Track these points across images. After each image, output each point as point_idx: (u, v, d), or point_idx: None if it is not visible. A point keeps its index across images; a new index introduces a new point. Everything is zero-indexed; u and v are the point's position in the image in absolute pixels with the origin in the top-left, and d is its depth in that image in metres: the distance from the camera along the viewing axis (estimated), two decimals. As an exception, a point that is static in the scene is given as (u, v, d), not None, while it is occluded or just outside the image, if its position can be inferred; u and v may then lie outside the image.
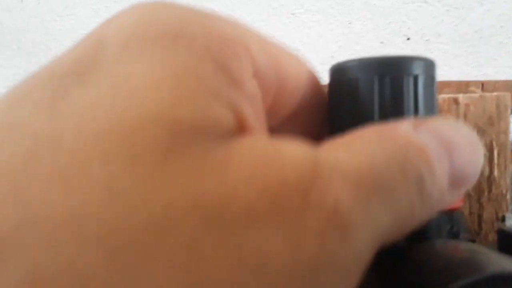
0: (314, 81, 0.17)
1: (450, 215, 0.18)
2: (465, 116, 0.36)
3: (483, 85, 0.57)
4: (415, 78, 0.16)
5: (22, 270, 0.09)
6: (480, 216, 0.36)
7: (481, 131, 0.35)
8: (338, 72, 0.17)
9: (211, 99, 0.11)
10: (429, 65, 0.17)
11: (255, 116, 0.13)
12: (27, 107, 0.11)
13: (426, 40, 0.81)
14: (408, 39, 0.81)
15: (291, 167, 0.11)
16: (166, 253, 0.09)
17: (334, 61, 0.18)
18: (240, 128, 0.12)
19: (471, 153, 0.14)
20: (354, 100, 0.17)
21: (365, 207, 0.11)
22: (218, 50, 0.12)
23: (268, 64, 0.14)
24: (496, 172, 0.36)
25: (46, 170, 0.10)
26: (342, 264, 0.11)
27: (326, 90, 0.18)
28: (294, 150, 0.12)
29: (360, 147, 0.12)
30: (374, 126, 0.13)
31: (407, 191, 0.12)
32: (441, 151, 0.13)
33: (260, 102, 0.13)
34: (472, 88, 0.42)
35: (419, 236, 0.17)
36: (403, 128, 0.13)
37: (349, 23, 0.81)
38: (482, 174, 0.35)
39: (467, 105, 0.36)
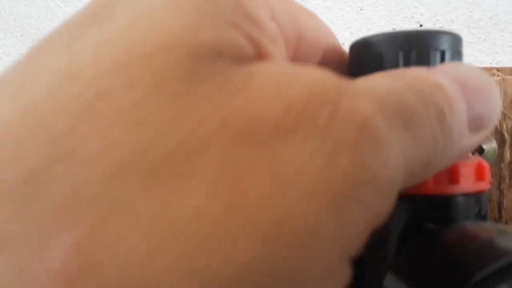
0: (334, 41, 0.17)
1: (477, 197, 0.17)
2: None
3: (498, 71, 0.56)
4: (442, 54, 0.16)
5: (59, 198, 0.09)
6: (500, 204, 0.35)
7: (502, 116, 0.33)
8: (360, 47, 0.16)
9: (231, 28, 0.11)
10: (456, 40, 0.16)
11: (277, 55, 0.12)
12: (45, 54, 0.11)
13: (439, 26, 0.80)
14: (421, 25, 0.80)
15: (316, 84, 0.11)
16: (200, 171, 0.09)
17: (345, 48, 0.18)
18: (260, 57, 0.12)
19: (487, 95, 0.13)
20: None
21: (392, 127, 0.11)
22: None
23: (285, 13, 0.14)
24: (517, 158, 0.35)
25: (69, 104, 0.10)
26: (377, 180, 0.11)
27: (346, 53, 0.18)
28: (317, 72, 0.11)
29: (376, 80, 0.12)
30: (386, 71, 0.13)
31: (428, 119, 0.12)
32: (457, 90, 0.13)
33: (283, 45, 0.13)
34: (493, 71, 0.40)
35: (447, 219, 0.16)
36: (416, 69, 0.13)
37: (360, 9, 0.80)
38: (503, 160, 0.34)
39: (487, 88, 0.35)
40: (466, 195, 0.16)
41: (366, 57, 0.16)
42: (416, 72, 0.13)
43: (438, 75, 0.13)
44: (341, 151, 0.10)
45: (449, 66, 0.14)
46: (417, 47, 0.15)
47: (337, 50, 0.17)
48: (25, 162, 0.09)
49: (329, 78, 0.11)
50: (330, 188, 0.10)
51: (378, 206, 0.11)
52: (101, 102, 0.10)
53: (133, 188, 0.09)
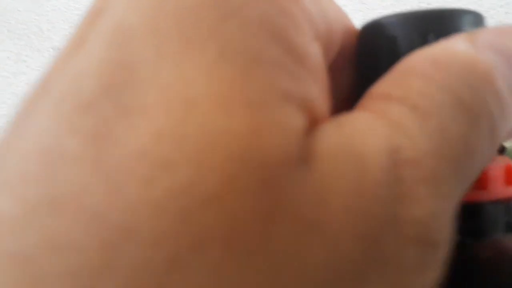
0: (349, 23, 0.15)
1: (507, 205, 0.15)
2: None
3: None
4: None
5: None
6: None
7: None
8: (372, 30, 0.15)
9: (282, 105, 0.09)
10: (479, 20, 0.15)
11: (320, 92, 0.11)
12: (64, 167, 0.09)
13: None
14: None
15: (376, 190, 0.10)
16: None
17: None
18: (311, 124, 0.10)
19: None
20: (391, 63, 0.14)
21: (443, 198, 0.10)
22: (273, 17, 0.10)
23: (320, 17, 0.12)
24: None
25: (136, 281, 0.08)
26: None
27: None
28: (370, 148, 0.10)
29: (418, 90, 0.11)
30: (423, 54, 0.11)
31: (481, 143, 0.11)
32: (507, 72, 0.11)
33: (324, 71, 0.11)
34: None
35: (474, 230, 0.15)
36: (460, 48, 0.11)
37: (364, -1, 0.78)
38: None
39: None
40: (495, 202, 0.15)
41: (379, 41, 0.14)
42: (462, 52, 0.11)
43: (485, 54, 0.11)
44: (409, 284, 0.10)
45: (491, 33, 0.12)
46: (437, 29, 0.14)
47: (354, 35, 0.15)
48: None
49: (383, 162, 0.10)
50: None
51: None
52: (168, 274, 0.08)
53: None
